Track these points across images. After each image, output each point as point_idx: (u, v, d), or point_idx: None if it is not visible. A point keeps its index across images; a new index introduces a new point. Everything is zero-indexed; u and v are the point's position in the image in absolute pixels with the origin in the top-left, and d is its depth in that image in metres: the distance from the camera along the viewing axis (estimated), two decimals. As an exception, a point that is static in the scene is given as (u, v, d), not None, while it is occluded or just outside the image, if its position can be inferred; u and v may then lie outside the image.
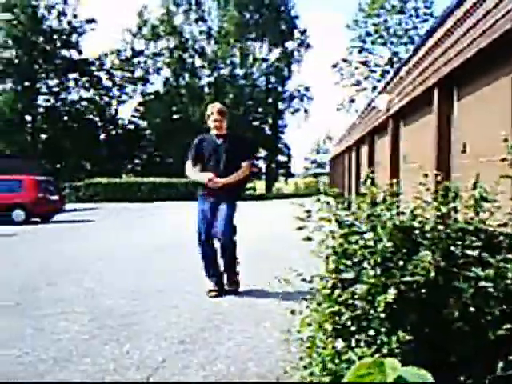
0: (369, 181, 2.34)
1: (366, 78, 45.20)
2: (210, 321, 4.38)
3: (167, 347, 3.70)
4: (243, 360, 3.43)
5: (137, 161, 47.42)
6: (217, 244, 5.40)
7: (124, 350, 3.65)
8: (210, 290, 5.31)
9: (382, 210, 2.26)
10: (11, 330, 4.18)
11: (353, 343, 1.92)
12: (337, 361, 1.87)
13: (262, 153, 47.09)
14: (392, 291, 1.83)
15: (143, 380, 3.12)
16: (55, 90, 42.14)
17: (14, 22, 38.02)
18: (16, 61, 38.95)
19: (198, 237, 5.34)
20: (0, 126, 37.74)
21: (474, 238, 2.17)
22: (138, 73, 45.70)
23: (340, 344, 1.94)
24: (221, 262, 5.44)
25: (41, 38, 39.78)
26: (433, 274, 1.94)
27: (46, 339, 3.91)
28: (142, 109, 45.06)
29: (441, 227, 2.15)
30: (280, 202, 30.29)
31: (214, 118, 5.41)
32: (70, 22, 41.69)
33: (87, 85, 43.74)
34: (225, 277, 5.48)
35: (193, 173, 5.50)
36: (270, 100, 45.29)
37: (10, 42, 38.31)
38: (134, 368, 3.32)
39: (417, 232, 2.11)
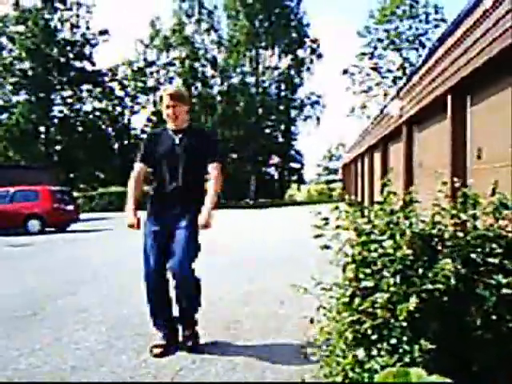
0: (386, 189, 2.33)
1: (377, 84, 45.12)
2: (226, 329, 4.38)
3: (184, 357, 3.70)
4: (261, 368, 3.42)
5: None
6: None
7: (141, 359, 3.66)
8: (155, 346, 3.79)
9: (399, 218, 2.26)
10: (30, 339, 4.22)
11: (374, 352, 1.91)
12: (358, 370, 1.86)
13: (275, 159, 47.15)
14: (413, 299, 1.82)
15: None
16: (69, 100, 42.66)
17: (28, 35, 38.66)
18: (30, 73, 39.55)
19: (145, 268, 3.85)
20: (15, 136, 38.27)
21: (494, 245, 2.16)
22: (151, 83, 46.12)
23: (361, 353, 1.92)
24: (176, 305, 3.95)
25: (54, 50, 40.35)
26: (454, 281, 1.92)
27: (64, 348, 3.93)
28: (154, 118, 45.39)
29: (460, 234, 2.14)
30: (294, 208, 30.23)
31: (165, 104, 3.94)
32: (83, 34, 42.27)
33: (100, 95, 44.23)
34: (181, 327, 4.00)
35: (130, 189, 3.95)
36: (281, 108, 45.38)
37: (24, 54, 38.92)
38: (151, 377, 3.32)
39: (436, 239, 2.10)
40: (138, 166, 4.02)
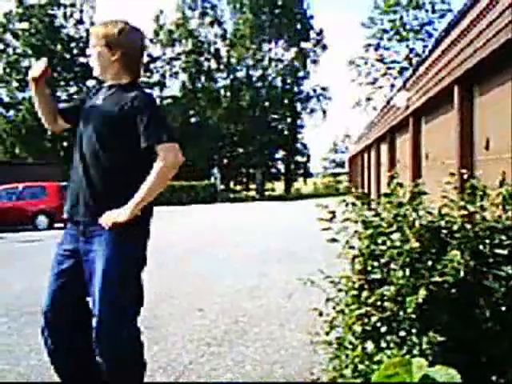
0: (394, 181, 2.32)
1: (383, 75, 44.85)
2: (235, 323, 4.40)
3: (193, 350, 3.73)
4: (270, 362, 3.44)
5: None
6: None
7: (151, 354, 3.68)
8: None
9: (407, 210, 2.25)
10: (34, 336, 4.25)
11: (383, 345, 1.91)
12: (367, 362, 1.87)
13: (280, 153, 47.09)
14: (422, 292, 1.83)
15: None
16: (75, 97, 42.79)
17: (32, 31, 38.73)
18: (36, 69, 39.67)
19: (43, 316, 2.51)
20: (22, 133, 38.44)
21: (503, 237, 2.15)
22: (155, 77, 46.09)
23: (370, 346, 1.93)
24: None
25: (59, 47, 40.41)
26: (462, 273, 1.92)
27: (74, 343, 3.96)
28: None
29: (469, 226, 2.13)
30: (301, 202, 30.22)
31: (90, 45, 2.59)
32: (87, 30, 42.29)
33: (106, 91, 44.27)
34: None
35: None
36: (286, 101, 45.25)
37: (29, 51, 39.00)
38: (162, 371, 3.35)
39: (445, 232, 2.10)
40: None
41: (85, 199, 2.39)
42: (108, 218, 2.29)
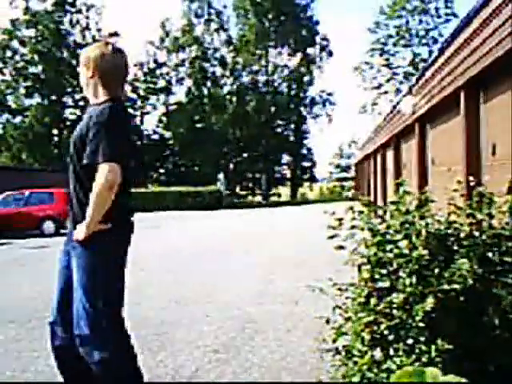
0: (401, 189, 2.33)
1: (388, 81, 44.85)
2: (242, 329, 4.40)
3: (200, 357, 3.73)
4: (277, 369, 3.44)
5: (162, 170, 47.94)
6: None
7: (158, 359, 3.69)
8: None
9: (414, 218, 2.25)
10: (42, 341, 4.27)
11: (391, 352, 1.91)
12: (375, 370, 1.87)
13: (286, 158, 47.10)
14: (430, 300, 1.83)
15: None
16: (81, 103, 42.99)
17: (39, 38, 39.03)
18: (43, 76, 39.93)
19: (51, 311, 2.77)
20: (29, 139, 38.67)
21: (510, 244, 2.14)
22: (161, 84, 46.29)
23: (378, 353, 1.93)
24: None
25: (65, 53, 40.69)
26: (470, 281, 1.92)
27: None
28: (165, 119, 45.60)
29: (476, 233, 2.13)
30: (306, 207, 30.16)
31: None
32: (93, 37, 42.56)
33: (112, 97, 44.48)
34: None
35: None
36: (292, 106, 45.31)
37: (36, 57, 39.30)
38: (169, 377, 3.35)
39: (452, 239, 2.10)
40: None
41: (72, 209, 2.64)
42: (76, 233, 2.51)
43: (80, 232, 2.46)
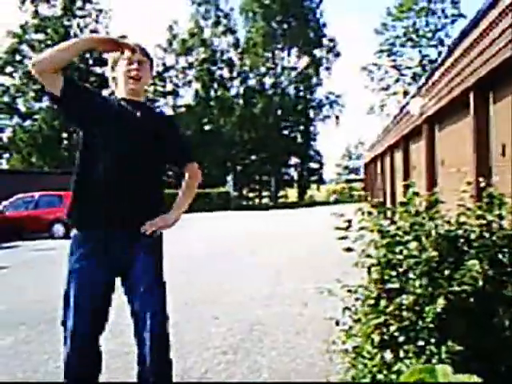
0: (410, 190, 2.32)
1: (396, 81, 44.73)
2: (250, 331, 4.40)
3: (209, 359, 3.73)
4: (286, 371, 3.44)
5: (170, 173, 48.12)
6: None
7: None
8: None
9: (423, 219, 2.25)
10: (59, 342, 4.29)
11: (401, 354, 1.90)
12: (386, 372, 1.86)
13: (294, 160, 47.08)
14: (440, 301, 1.82)
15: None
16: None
17: (48, 42, 39.32)
18: (52, 79, 40.24)
19: (64, 334, 2.56)
20: (39, 143, 38.97)
21: (521, 245, 2.13)
22: (169, 87, 46.49)
23: (388, 355, 1.92)
24: None
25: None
26: (481, 283, 1.91)
27: (92, 351, 3.99)
28: (173, 122, 45.76)
29: (486, 235, 2.12)
30: (314, 209, 30.11)
31: (128, 57, 2.59)
32: (102, 41, 42.85)
33: (120, 100, 44.74)
34: None
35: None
36: (299, 108, 45.31)
37: (46, 61, 39.60)
38: (179, 378, 3.36)
39: (462, 240, 2.09)
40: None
41: (133, 203, 2.44)
42: (152, 225, 2.44)
43: (169, 219, 2.51)
